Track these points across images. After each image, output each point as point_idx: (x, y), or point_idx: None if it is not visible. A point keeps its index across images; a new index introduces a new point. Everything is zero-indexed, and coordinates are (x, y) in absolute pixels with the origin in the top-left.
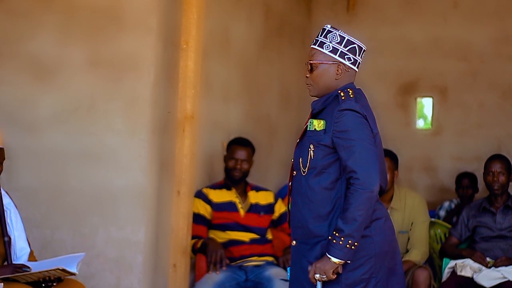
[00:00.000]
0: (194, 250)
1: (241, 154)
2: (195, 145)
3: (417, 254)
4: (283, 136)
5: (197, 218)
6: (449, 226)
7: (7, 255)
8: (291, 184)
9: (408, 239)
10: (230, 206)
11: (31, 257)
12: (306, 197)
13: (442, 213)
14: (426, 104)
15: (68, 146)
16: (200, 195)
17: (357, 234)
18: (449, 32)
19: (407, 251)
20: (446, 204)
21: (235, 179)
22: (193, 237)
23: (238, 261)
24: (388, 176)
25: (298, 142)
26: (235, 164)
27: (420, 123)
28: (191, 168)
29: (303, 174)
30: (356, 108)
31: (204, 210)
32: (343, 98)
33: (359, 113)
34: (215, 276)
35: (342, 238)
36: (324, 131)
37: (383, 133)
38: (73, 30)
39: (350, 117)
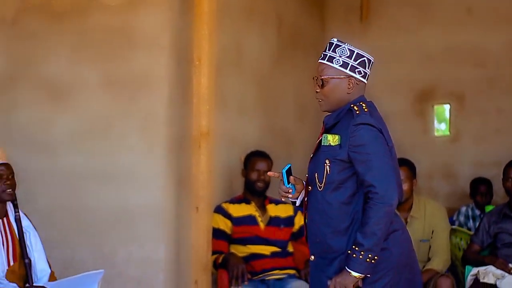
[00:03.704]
0: (216, 266)
1: (262, 165)
2: (212, 161)
3: (438, 262)
4: (301, 148)
5: (218, 233)
6: (470, 233)
7: (28, 277)
8: (307, 199)
9: (430, 247)
10: (250, 220)
11: (52, 277)
12: (324, 213)
13: (461, 218)
14: (443, 111)
15: (85, 167)
16: (219, 210)
17: (377, 248)
18: (464, 39)
19: (428, 259)
20: (463, 209)
21: (259, 191)
22: (214, 253)
23: (259, 275)
24: (407, 185)
25: (312, 157)
26: (259, 175)
27: (442, 127)
28: (209, 184)
29: (320, 190)
30: (371, 122)
31: (224, 225)
32: (357, 112)
33: (374, 127)
34: None
35: (362, 252)
36: (340, 146)
37: (402, 141)
38: (86, 51)
39: (366, 131)
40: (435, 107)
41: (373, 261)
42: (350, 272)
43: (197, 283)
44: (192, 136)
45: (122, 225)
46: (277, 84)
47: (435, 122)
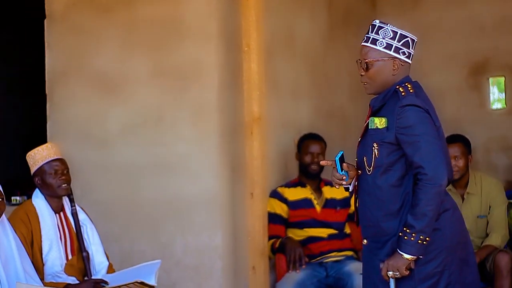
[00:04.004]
0: (273, 250)
1: (315, 148)
2: (265, 146)
3: (497, 237)
4: (357, 128)
5: (274, 218)
6: None
7: (86, 270)
8: (357, 183)
9: (487, 223)
10: (306, 203)
11: (110, 269)
12: (375, 196)
13: None
14: (499, 84)
15: (139, 158)
16: (275, 194)
17: (428, 229)
18: None
19: (486, 235)
20: None
21: (313, 173)
22: (271, 237)
23: (317, 258)
24: (462, 162)
25: (360, 141)
26: (312, 158)
27: (498, 99)
28: (263, 169)
29: (369, 173)
30: (417, 103)
31: (281, 209)
32: (403, 94)
33: (421, 108)
34: (296, 275)
35: (413, 234)
36: (387, 128)
37: (457, 116)
38: (135, 43)
39: (413, 113)
40: (490, 79)
41: (424, 242)
42: (402, 255)
43: (254, 269)
44: (244, 122)
45: (178, 215)
46: (330, 65)
47: (491, 95)
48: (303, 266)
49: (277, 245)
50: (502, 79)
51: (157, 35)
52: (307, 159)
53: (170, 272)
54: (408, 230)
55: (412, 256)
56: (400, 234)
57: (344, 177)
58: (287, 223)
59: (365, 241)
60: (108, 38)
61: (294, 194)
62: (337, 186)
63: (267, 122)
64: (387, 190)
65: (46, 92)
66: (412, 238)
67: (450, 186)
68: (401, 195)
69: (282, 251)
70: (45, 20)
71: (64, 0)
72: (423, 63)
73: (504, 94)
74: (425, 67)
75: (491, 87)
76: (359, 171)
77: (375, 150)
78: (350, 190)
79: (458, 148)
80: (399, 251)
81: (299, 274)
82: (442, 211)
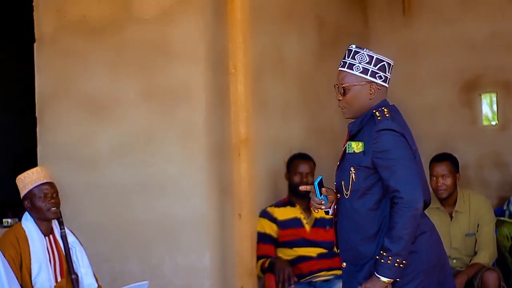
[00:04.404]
0: (263, 270)
1: (304, 168)
2: (253, 167)
3: (485, 255)
4: None
5: (264, 238)
6: None
7: None
8: (336, 207)
9: (476, 241)
10: (295, 223)
11: None
12: (352, 220)
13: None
14: (490, 100)
15: (129, 179)
16: (265, 214)
17: (404, 253)
18: (508, 26)
19: (475, 253)
20: None
21: (302, 193)
22: (261, 257)
23: (307, 277)
24: (450, 180)
25: (338, 165)
26: (301, 178)
27: (490, 116)
28: (250, 190)
29: (347, 197)
30: (393, 127)
31: (270, 229)
32: (379, 118)
33: (397, 132)
34: None
35: (390, 257)
36: (364, 152)
37: (449, 132)
38: (124, 65)
39: (389, 137)
40: (482, 96)
41: (401, 265)
42: (379, 278)
43: None
44: (232, 143)
45: (168, 235)
46: (320, 84)
47: (483, 111)
48: (292, 286)
49: (266, 265)
50: (494, 96)
51: (146, 57)
52: (296, 179)
53: None
54: (384, 254)
55: (389, 279)
56: (377, 257)
57: (323, 202)
58: (277, 243)
59: (344, 264)
60: (97, 60)
61: (284, 213)
62: (316, 211)
63: (255, 142)
64: (365, 213)
65: (36, 114)
66: (388, 261)
67: (438, 204)
68: (379, 219)
69: (271, 271)
70: (34, 43)
71: (53, 24)
72: (415, 80)
73: (495, 111)
74: (417, 84)
75: (483, 103)
76: (338, 195)
77: (353, 174)
78: (330, 214)
79: (445, 167)
80: (376, 274)
81: None
82: (419, 234)
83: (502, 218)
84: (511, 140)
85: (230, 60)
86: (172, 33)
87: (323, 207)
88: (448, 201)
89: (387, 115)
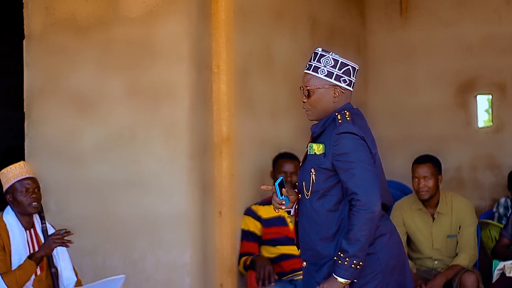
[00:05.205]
0: (246, 267)
1: (289, 167)
2: (234, 166)
3: (465, 258)
4: None
5: (248, 235)
6: (502, 226)
7: (54, 285)
8: (298, 207)
9: (457, 243)
10: (279, 221)
11: (78, 285)
12: (312, 220)
13: (501, 209)
14: (485, 102)
15: (113, 175)
16: (249, 212)
17: (361, 254)
18: (504, 29)
19: (456, 255)
20: (503, 200)
21: None
22: (244, 254)
23: (288, 275)
24: (432, 182)
25: (300, 166)
26: (286, 177)
27: (484, 118)
28: (231, 189)
29: (307, 198)
30: (353, 131)
31: (254, 226)
32: (340, 121)
33: (356, 135)
34: None
35: (347, 259)
36: (324, 154)
37: (444, 133)
38: (110, 63)
39: (348, 140)
40: (477, 98)
41: (358, 266)
42: (336, 278)
43: (222, 286)
44: (214, 142)
45: (149, 231)
46: None
47: (478, 113)
48: (272, 284)
49: (248, 262)
50: (489, 98)
51: (131, 55)
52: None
53: (140, 287)
54: (342, 255)
55: (346, 280)
56: (335, 258)
57: (284, 202)
58: (261, 241)
59: (304, 263)
60: (84, 58)
61: (268, 212)
62: (276, 210)
63: (237, 141)
64: (324, 214)
65: (24, 109)
66: (345, 262)
67: (420, 206)
68: (338, 220)
69: (253, 268)
70: (24, 40)
71: (42, 21)
72: (411, 81)
73: (489, 113)
74: (413, 85)
75: (478, 105)
76: (299, 195)
77: (313, 175)
78: (292, 214)
79: (427, 169)
80: (333, 274)
81: None
82: (378, 236)
83: (488, 221)
84: (505, 142)
85: (213, 60)
86: (157, 32)
87: (283, 207)
88: (430, 202)
89: (347, 118)
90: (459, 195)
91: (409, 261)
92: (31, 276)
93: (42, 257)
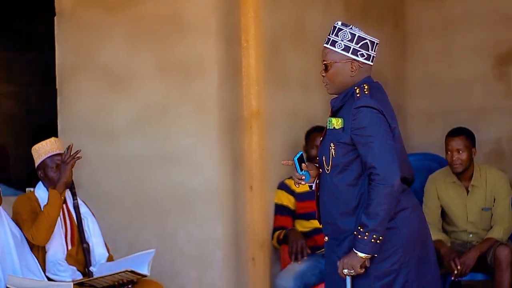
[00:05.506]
0: (279, 241)
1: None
2: (264, 140)
3: (499, 231)
4: None
5: (282, 209)
6: None
7: (86, 261)
8: (319, 181)
9: (492, 216)
10: (312, 195)
11: (110, 260)
12: (332, 194)
13: None
14: None
15: (144, 151)
16: (283, 186)
17: (380, 228)
18: None
19: (491, 228)
20: None
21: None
22: (278, 228)
23: (322, 250)
24: (465, 155)
25: (321, 141)
26: (317, 151)
27: None
28: (261, 163)
29: (327, 172)
30: (371, 104)
31: (288, 201)
32: (358, 95)
33: (374, 109)
34: (297, 266)
35: (366, 233)
36: (343, 129)
37: (483, 105)
38: (140, 39)
39: (366, 114)
40: None
41: (378, 241)
42: (356, 253)
43: (254, 260)
44: (244, 116)
45: (181, 206)
46: None
47: None
48: (305, 258)
49: (281, 236)
50: None
51: (160, 31)
52: (313, 152)
53: (173, 261)
54: (361, 229)
55: (366, 255)
56: (354, 233)
57: (304, 177)
58: (295, 215)
59: (326, 238)
60: (114, 34)
61: (302, 186)
62: (297, 185)
63: (267, 116)
64: (344, 189)
65: (57, 86)
66: (365, 237)
67: (454, 179)
68: (357, 194)
69: (286, 243)
70: (55, 17)
71: None
72: (449, 53)
73: None
74: (451, 57)
75: None
76: (320, 170)
77: (332, 150)
78: (313, 189)
79: (460, 141)
80: (354, 249)
81: (300, 265)
82: (399, 210)
83: None
84: None
85: (242, 34)
86: (185, 7)
87: (303, 182)
88: (464, 175)
89: (366, 92)
90: (494, 167)
91: (444, 235)
92: (59, 208)
93: (64, 184)
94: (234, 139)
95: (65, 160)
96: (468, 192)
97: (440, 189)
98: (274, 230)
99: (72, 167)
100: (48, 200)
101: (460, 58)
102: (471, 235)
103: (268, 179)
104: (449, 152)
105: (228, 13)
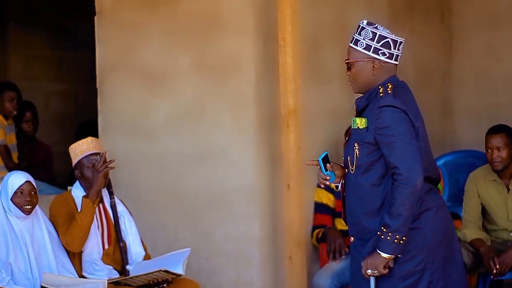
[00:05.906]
0: (318, 240)
1: None
2: (301, 138)
3: None
4: (426, 114)
5: (321, 208)
6: None
7: (123, 259)
8: (344, 182)
9: None
10: None
11: (147, 259)
12: (357, 194)
13: None
14: None
15: (183, 149)
16: None
17: (403, 229)
18: None
19: None
20: None
21: None
22: (318, 227)
23: None
24: (506, 152)
25: (346, 141)
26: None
27: None
28: (298, 162)
29: (352, 172)
30: (394, 104)
31: (327, 199)
32: (381, 94)
33: (398, 108)
34: (335, 265)
35: (389, 234)
36: (367, 128)
37: None
38: (178, 37)
39: (389, 113)
40: None
41: (401, 241)
42: (380, 253)
43: (291, 258)
44: (281, 115)
45: (219, 204)
46: None
47: None
48: (343, 257)
49: (320, 235)
50: None
51: (198, 29)
52: None
53: (210, 260)
54: (384, 229)
55: (389, 255)
56: (378, 233)
57: (329, 177)
58: (334, 213)
59: (352, 238)
60: (153, 33)
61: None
62: (322, 186)
63: (305, 114)
64: (368, 189)
65: (97, 85)
66: (388, 238)
67: (495, 177)
68: (382, 194)
69: (325, 241)
70: (95, 16)
71: None
72: (497, 48)
73: None
74: (498, 52)
75: None
76: (346, 170)
77: (356, 150)
78: (338, 189)
79: (500, 139)
80: (377, 250)
81: (338, 265)
82: (424, 210)
83: None
84: None
85: (279, 32)
86: (222, 5)
87: (327, 182)
88: (505, 173)
89: (389, 91)
90: None
91: (484, 233)
92: (92, 216)
93: (97, 192)
94: (271, 137)
95: (97, 169)
96: (508, 190)
97: (481, 187)
98: (314, 228)
99: (105, 176)
100: (81, 208)
101: (507, 54)
102: (511, 234)
103: (306, 178)
104: (489, 150)
105: (265, 11)
